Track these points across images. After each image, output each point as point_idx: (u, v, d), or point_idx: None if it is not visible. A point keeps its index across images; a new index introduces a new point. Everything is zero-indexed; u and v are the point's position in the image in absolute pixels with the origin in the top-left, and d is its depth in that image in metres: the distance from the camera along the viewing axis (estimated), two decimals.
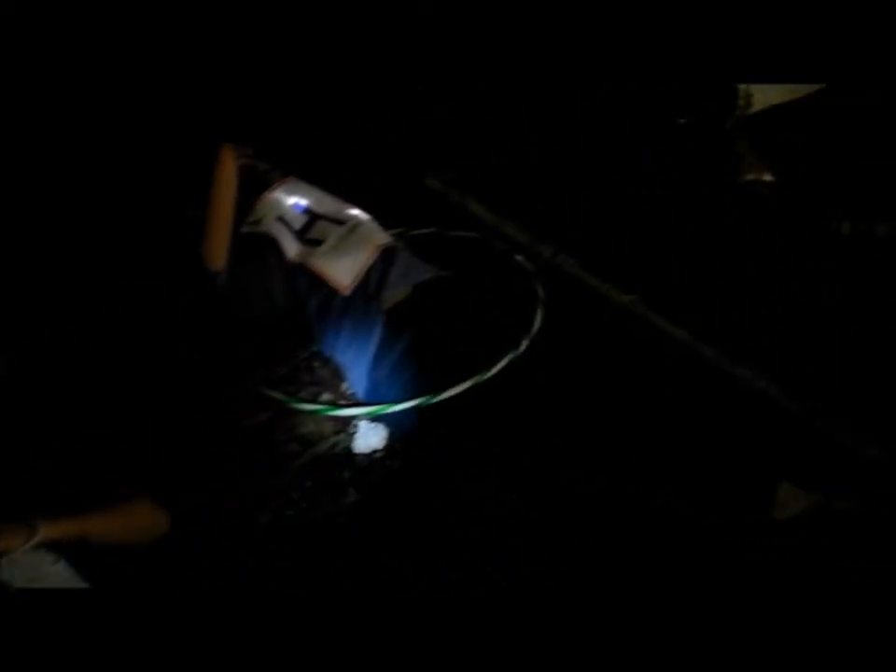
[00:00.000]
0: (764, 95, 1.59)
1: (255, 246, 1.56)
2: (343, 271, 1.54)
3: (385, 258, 1.57)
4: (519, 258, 1.73)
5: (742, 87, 1.57)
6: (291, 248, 1.56)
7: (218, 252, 1.53)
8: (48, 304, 1.64)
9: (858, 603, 1.23)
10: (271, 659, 0.99)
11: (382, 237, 1.62)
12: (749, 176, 1.55)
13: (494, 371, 1.44)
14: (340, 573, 1.37)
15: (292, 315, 1.58)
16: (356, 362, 1.52)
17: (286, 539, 1.42)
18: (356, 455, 1.53)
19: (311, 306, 1.55)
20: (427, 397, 1.42)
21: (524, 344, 1.49)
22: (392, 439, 1.52)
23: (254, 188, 1.63)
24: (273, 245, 1.56)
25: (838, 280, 1.47)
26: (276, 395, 1.50)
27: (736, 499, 1.44)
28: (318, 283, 1.54)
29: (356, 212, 1.66)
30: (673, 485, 1.44)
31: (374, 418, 1.50)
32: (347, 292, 1.53)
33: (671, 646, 1.07)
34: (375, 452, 1.53)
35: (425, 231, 1.89)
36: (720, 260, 1.70)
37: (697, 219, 1.70)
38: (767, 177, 1.54)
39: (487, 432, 1.48)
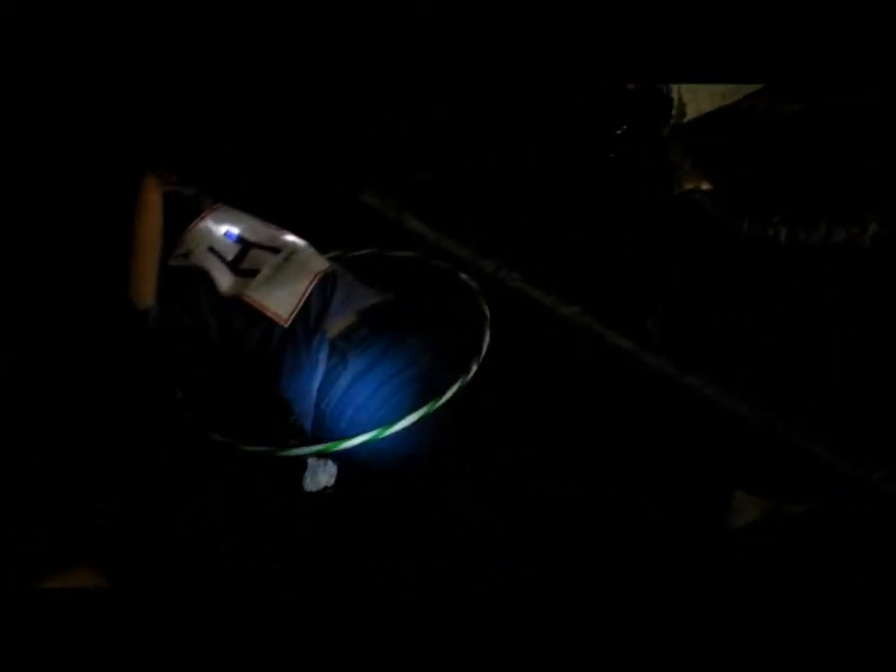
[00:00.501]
0: (697, 104, 1.60)
1: (185, 281, 1.47)
2: (281, 302, 1.47)
3: (325, 285, 1.51)
4: (463, 276, 1.69)
5: (675, 95, 1.58)
6: (224, 281, 1.48)
7: (145, 289, 1.44)
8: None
9: (818, 606, 1.24)
10: None
11: (320, 263, 1.55)
12: (687, 185, 1.56)
13: (445, 398, 1.40)
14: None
15: (228, 351, 1.49)
16: (301, 397, 1.45)
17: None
18: (305, 493, 1.46)
19: (249, 341, 1.47)
20: (380, 429, 1.36)
21: (473, 368, 1.45)
22: (345, 474, 1.46)
23: (181, 217, 1.54)
24: (204, 277, 1.47)
25: (780, 286, 1.49)
26: (218, 437, 1.41)
27: (691, 507, 1.45)
28: (255, 316, 1.46)
29: (291, 238, 1.59)
30: (631, 492, 1.44)
31: (324, 454, 1.44)
32: (287, 324, 1.46)
33: (639, 650, 1.07)
34: (326, 489, 1.46)
35: (363, 252, 1.83)
36: (662, 270, 1.70)
37: (638, 230, 1.70)
38: (705, 186, 1.55)
39: (448, 454, 1.44)
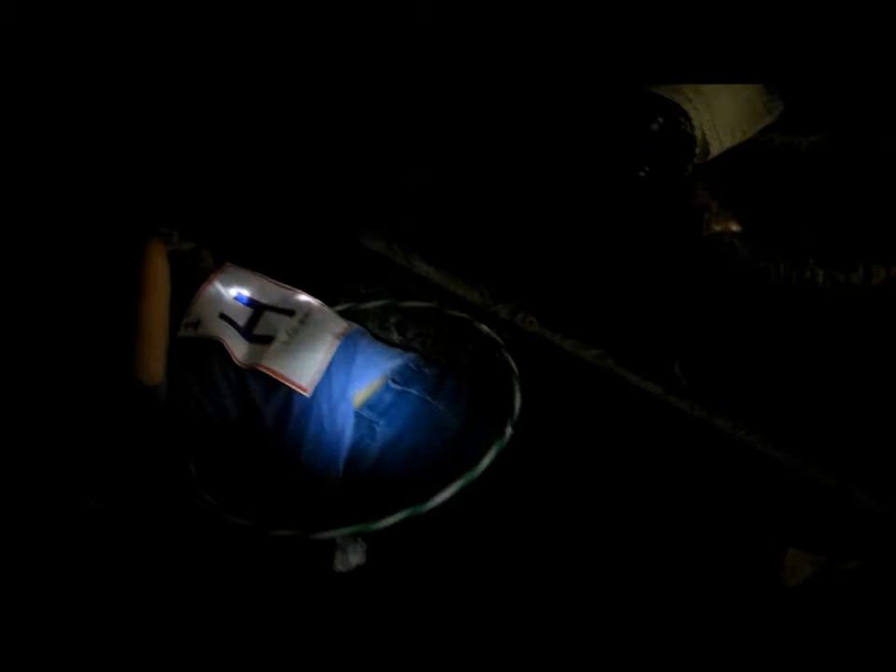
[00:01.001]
0: (720, 142, 1.55)
1: (198, 353, 1.38)
2: (300, 370, 1.38)
3: (346, 348, 1.42)
4: (483, 327, 1.61)
5: (698, 135, 1.53)
6: (239, 350, 1.39)
7: (155, 364, 1.34)
8: None
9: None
10: None
11: (337, 324, 1.47)
12: (716, 228, 1.51)
13: (482, 467, 1.32)
14: None
15: (246, 425, 1.40)
16: (327, 471, 1.36)
17: None
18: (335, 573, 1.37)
19: (267, 413, 1.37)
20: (415, 507, 1.28)
21: (508, 432, 1.37)
22: (377, 551, 1.38)
23: (188, 282, 1.45)
24: (218, 348, 1.38)
25: (819, 331, 1.44)
26: (240, 521, 1.32)
27: (743, 570, 1.39)
28: (274, 386, 1.37)
29: (304, 298, 1.50)
30: (682, 553, 1.39)
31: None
32: (308, 393, 1.37)
33: None
34: (357, 568, 1.37)
35: (376, 303, 1.75)
36: (689, 313, 1.64)
37: (665, 274, 1.64)
38: (735, 227, 1.50)
39: (484, 524, 1.37)
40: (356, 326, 1.50)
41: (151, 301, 1.34)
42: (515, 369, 1.49)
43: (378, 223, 2.04)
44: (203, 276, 1.49)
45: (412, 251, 1.99)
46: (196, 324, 1.40)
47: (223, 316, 1.41)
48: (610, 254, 1.73)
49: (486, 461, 1.32)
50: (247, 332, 1.42)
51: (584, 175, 1.74)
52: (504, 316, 1.87)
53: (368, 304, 1.72)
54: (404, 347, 1.54)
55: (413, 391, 1.44)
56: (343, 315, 1.54)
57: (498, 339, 1.57)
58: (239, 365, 1.38)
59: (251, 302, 1.46)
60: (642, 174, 1.52)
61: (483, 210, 1.96)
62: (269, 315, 1.44)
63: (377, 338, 1.52)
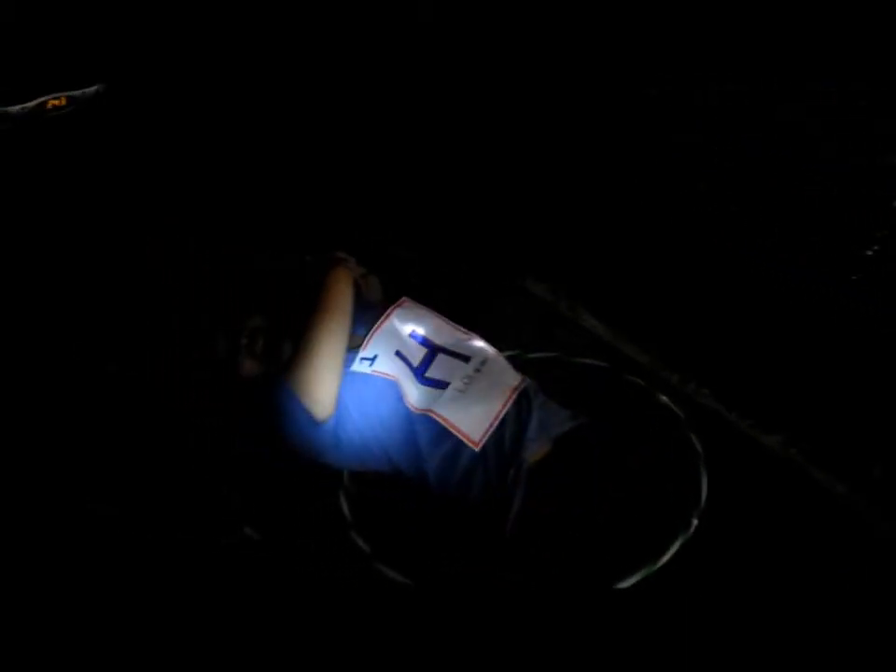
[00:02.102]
0: None
1: (370, 390, 1.32)
2: (472, 421, 1.29)
3: (520, 404, 1.33)
4: (664, 398, 1.48)
5: None
6: (412, 392, 1.32)
7: (331, 398, 1.29)
8: None
9: None
10: None
11: (512, 377, 1.38)
12: None
13: (664, 559, 1.18)
14: None
15: (408, 469, 1.32)
16: (490, 528, 1.26)
17: None
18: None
19: (432, 460, 1.29)
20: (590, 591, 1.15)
21: (694, 523, 1.23)
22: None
23: (363, 312, 1.40)
24: (392, 388, 1.31)
25: None
26: (398, 577, 1.24)
27: None
28: (443, 434, 1.29)
29: (479, 344, 1.42)
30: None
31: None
32: (478, 448, 1.28)
33: None
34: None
35: (543, 354, 1.65)
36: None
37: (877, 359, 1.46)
38: None
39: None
40: (528, 380, 1.41)
41: (337, 331, 1.30)
42: (701, 452, 1.35)
43: (545, 269, 1.95)
44: (371, 306, 1.44)
45: (578, 302, 1.88)
46: (372, 359, 1.34)
47: (399, 354, 1.35)
48: (805, 326, 1.56)
49: (669, 555, 1.19)
50: (420, 374, 1.35)
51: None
52: (674, 383, 1.73)
53: (535, 354, 1.63)
54: (574, 409, 1.42)
55: (584, 461, 1.32)
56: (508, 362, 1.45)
57: (681, 414, 1.43)
58: (410, 408, 1.30)
59: (426, 342, 1.39)
60: (869, 252, 1.35)
61: (658, 263, 1.84)
62: (443, 358, 1.37)
63: (550, 399, 1.41)
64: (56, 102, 1.56)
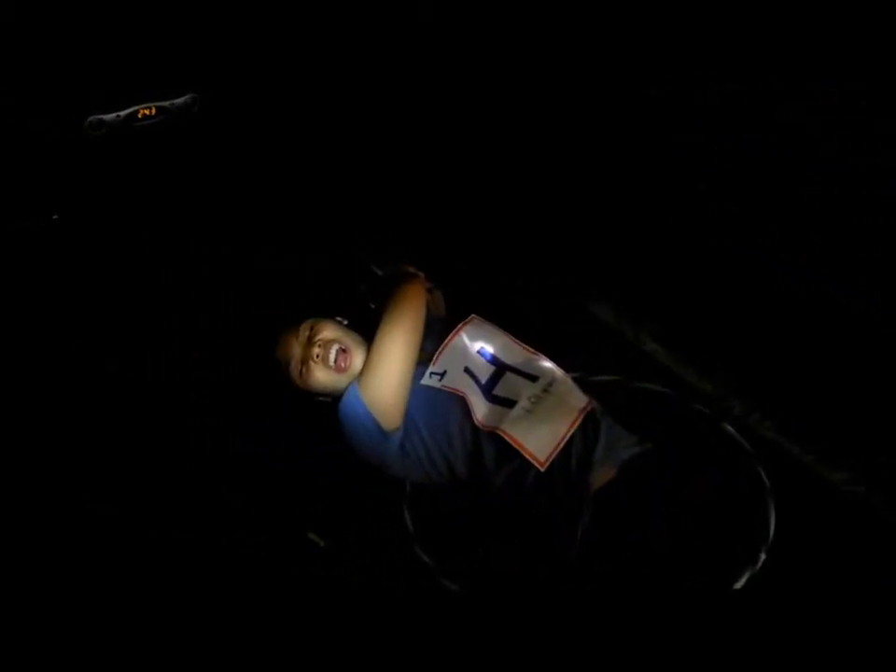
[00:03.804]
0: None
1: (438, 404, 1.34)
2: (539, 442, 1.30)
3: (586, 428, 1.33)
4: (730, 428, 1.46)
5: None
6: (479, 409, 1.34)
7: (400, 410, 1.31)
8: None
9: None
10: None
11: (579, 399, 1.38)
12: None
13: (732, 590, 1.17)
14: None
15: (472, 486, 1.34)
16: (556, 550, 1.27)
17: None
18: None
19: (497, 479, 1.31)
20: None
21: (762, 558, 1.22)
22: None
23: (432, 328, 1.43)
24: (460, 403, 1.33)
25: None
26: (450, 585, 1.25)
27: None
28: (509, 453, 1.30)
29: (546, 365, 1.43)
30: None
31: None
32: (543, 468, 1.28)
33: None
34: None
35: (606, 377, 1.65)
36: None
37: None
38: None
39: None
40: (595, 402, 1.41)
41: (409, 343, 1.32)
42: (769, 485, 1.34)
43: (608, 291, 1.94)
44: (436, 321, 1.46)
45: (641, 326, 1.87)
46: (442, 374, 1.36)
47: (467, 371, 1.37)
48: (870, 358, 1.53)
49: (737, 586, 1.17)
50: (488, 391, 1.36)
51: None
52: (736, 413, 1.71)
53: (597, 377, 1.62)
54: (639, 434, 1.42)
55: (650, 488, 1.31)
56: None
57: (748, 447, 1.42)
58: (477, 425, 1.32)
59: (494, 360, 1.41)
60: None
61: (723, 290, 1.82)
62: (511, 377, 1.38)
63: (616, 423, 1.41)
64: (146, 111, 1.62)
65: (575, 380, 1.56)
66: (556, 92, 1.93)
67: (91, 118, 1.58)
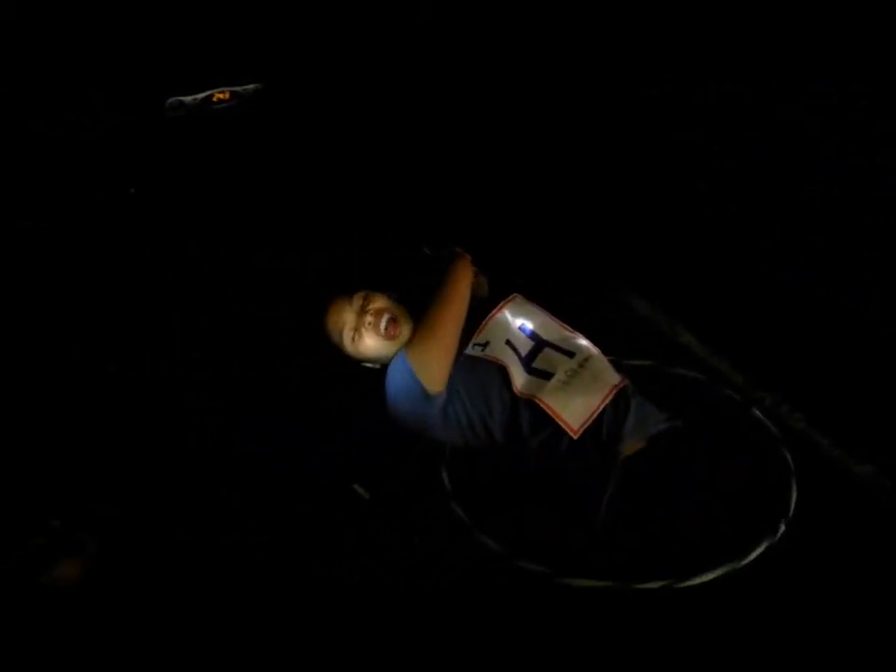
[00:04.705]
0: None
1: (481, 372, 1.43)
2: (574, 411, 1.38)
3: (618, 402, 1.41)
4: (759, 414, 1.52)
5: None
6: (519, 378, 1.43)
7: (445, 375, 1.41)
8: None
9: None
10: None
11: (613, 376, 1.46)
12: None
13: (748, 559, 1.23)
14: None
15: (508, 449, 1.42)
16: (585, 512, 1.35)
17: None
18: None
19: (532, 444, 1.39)
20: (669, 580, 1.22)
21: (781, 529, 1.28)
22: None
23: (475, 308, 1.52)
24: (501, 372, 1.42)
25: None
26: (492, 544, 1.34)
27: None
28: (545, 420, 1.38)
29: (583, 343, 1.51)
30: None
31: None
32: (576, 436, 1.37)
33: None
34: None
35: (639, 362, 1.72)
36: None
37: None
38: None
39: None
40: (627, 380, 1.49)
41: (457, 316, 1.42)
42: (793, 468, 1.40)
43: (644, 281, 2.01)
44: (480, 302, 1.55)
45: (677, 317, 1.94)
46: (484, 345, 1.45)
47: (508, 343, 1.46)
48: None
49: (753, 555, 1.24)
50: (527, 363, 1.45)
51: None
52: (767, 405, 1.76)
53: (631, 361, 1.70)
54: (668, 413, 1.49)
55: (676, 461, 1.39)
56: None
57: (777, 432, 1.48)
58: (516, 393, 1.41)
59: (533, 335, 1.49)
60: None
61: (755, 282, 1.86)
62: (549, 352, 1.47)
63: (647, 401, 1.49)
64: (222, 95, 1.76)
65: (610, 362, 1.64)
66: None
67: (172, 99, 1.72)
